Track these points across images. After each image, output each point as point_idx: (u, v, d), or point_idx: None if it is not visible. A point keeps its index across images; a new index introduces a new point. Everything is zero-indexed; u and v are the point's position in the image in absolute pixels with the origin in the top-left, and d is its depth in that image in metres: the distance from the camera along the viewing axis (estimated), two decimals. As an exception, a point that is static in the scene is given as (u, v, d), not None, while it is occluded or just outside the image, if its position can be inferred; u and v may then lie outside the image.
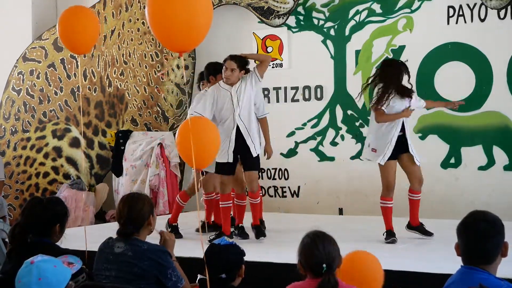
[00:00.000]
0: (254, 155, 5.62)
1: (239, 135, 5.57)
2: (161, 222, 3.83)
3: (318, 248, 2.66)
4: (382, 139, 5.59)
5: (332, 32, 7.93)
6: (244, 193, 5.81)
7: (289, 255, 4.28)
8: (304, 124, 7.94)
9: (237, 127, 5.56)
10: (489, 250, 2.45)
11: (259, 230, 5.68)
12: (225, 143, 5.50)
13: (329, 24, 7.93)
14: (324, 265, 2.61)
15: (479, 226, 2.47)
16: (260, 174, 6.28)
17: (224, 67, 5.62)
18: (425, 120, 7.37)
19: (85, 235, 3.40)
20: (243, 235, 5.64)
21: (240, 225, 5.76)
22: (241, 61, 5.63)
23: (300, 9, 8.03)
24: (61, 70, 9.42)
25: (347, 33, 7.83)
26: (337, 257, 2.69)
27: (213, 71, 5.94)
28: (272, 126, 6.09)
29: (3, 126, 9.63)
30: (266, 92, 7.88)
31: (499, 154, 6.99)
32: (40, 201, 3.43)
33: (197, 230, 5.67)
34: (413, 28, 7.46)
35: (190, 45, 3.20)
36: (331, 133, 7.89)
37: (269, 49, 8.30)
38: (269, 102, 7.29)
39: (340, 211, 7.72)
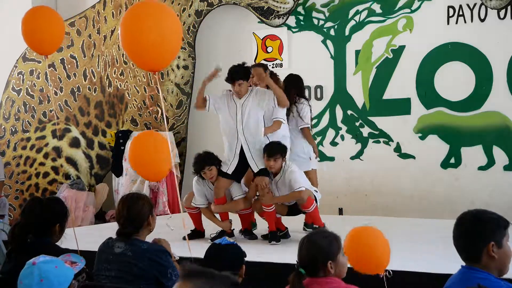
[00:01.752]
0: (255, 170, 5.45)
1: (242, 151, 5.43)
2: (161, 222, 3.81)
3: (301, 253, 2.69)
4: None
5: (332, 32, 7.93)
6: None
7: (289, 255, 4.27)
8: (304, 124, 7.94)
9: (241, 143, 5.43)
10: (467, 249, 2.45)
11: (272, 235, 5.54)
12: (230, 153, 5.46)
13: (329, 24, 7.94)
14: (296, 266, 2.64)
15: (461, 224, 2.48)
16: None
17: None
18: (425, 120, 7.38)
19: (74, 235, 3.40)
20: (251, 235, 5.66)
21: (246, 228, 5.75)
22: (245, 74, 5.40)
23: (300, 9, 8.04)
24: (61, 70, 9.42)
25: (347, 33, 7.84)
26: (320, 257, 2.64)
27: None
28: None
29: (3, 126, 9.63)
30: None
31: (499, 154, 7.00)
32: (39, 201, 3.42)
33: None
34: (413, 28, 7.47)
35: (161, 65, 3.24)
36: (331, 133, 7.90)
37: (269, 49, 8.30)
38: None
39: (340, 211, 7.72)
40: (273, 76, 5.75)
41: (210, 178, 5.52)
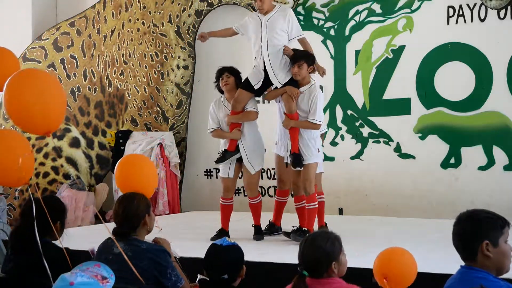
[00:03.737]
0: (278, 86, 5.48)
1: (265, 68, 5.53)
2: (160, 222, 3.81)
3: (303, 254, 2.70)
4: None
5: (332, 32, 7.94)
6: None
7: (289, 255, 4.27)
8: (304, 124, 7.94)
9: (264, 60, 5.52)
10: (463, 248, 2.48)
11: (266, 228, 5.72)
12: (257, 71, 5.55)
13: (329, 24, 7.94)
14: (299, 269, 2.64)
15: (457, 224, 2.51)
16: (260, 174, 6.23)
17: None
18: (425, 120, 7.38)
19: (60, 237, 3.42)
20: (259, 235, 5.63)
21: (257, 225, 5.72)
22: None
23: (300, 9, 8.05)
24: (61, 70, 9.43)
25: (347, 33, 7.84)
26: (324, 260, 2.67)
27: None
28: (272, 126, 6.07)
29: (3, 126, 9.62)
30: (266, 92, 7.88)
31: (499, 154, 6.99)
32: (37, 201, 3.40)
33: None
34: (413, 28, 7.47)
35: (49, 129, 3.25)
36: (331, 133, 7.89)
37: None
38: (268, 102, 7.29)
39: (340, 211, 7.72)
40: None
41: (224, 85, 5.61)
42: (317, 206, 5.41)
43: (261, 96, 6.13)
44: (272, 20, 5.52)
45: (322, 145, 5.77)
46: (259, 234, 5.61)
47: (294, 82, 5.47)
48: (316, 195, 5.57)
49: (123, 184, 3.61)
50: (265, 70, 5.53)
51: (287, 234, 5.42)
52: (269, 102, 6.72)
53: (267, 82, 5.58)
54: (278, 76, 5.49)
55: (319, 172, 5.78)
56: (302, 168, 5.40)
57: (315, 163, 5.44)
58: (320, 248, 2.67)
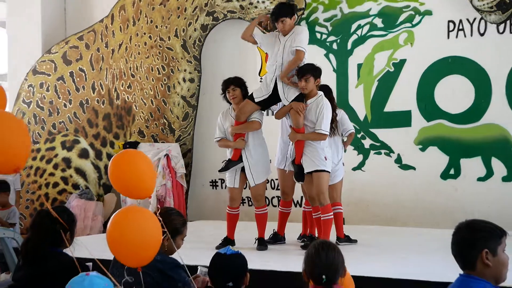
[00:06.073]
0: (286, 104, 5.61)
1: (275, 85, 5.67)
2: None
3: (320, 259, 2.73)
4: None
5: (334, 46, 8.01)
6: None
7: (292, 264, 4.36)
8: (307, 136, 8.00)
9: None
10: (462, 257, 2.53)
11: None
12: (265, 86, 5.70)
13: (331, 38, 8.01)
14: (324, 276, 2.69)
15: (456, 233, 2.57)
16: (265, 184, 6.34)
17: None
18: (425, 132, 7.44)
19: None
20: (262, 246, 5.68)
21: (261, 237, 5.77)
22: (288, 11, 5.66)
23: (303, 23, 8.09)
24: (70, 83, 9.54)
25: (349, 47, 7.91)
26: (340, 267, 2.76)
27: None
28: (276, 141, 6.18)
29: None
30: (273, 110, 7.97)
31: (497, 166, 7.04)
32: (47, 214, 3.47)
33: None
34: (414, 42, 7.53)
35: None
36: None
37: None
38: (272, 114, 7.39)
39: (342, 221, 7.78)
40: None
41: (232, 98, 5.73)
42: (332, 217, 5.47)
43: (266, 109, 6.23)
44: (289, 43, 5.63)
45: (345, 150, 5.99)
46: (262, 245, 5.65)
47: (299, 98, 5.56)
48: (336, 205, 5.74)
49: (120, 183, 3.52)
50: (275, 86, 5.64)
51: (304, 247, 5.43)
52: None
53: (274, 98, 5.70)
54: (287, 95, 5.59)
55: (338, 182, 5.94)
56: (303, 182, 5.50)
57: (326, 173, 5.49)
58: (335, 262, 2.74)
